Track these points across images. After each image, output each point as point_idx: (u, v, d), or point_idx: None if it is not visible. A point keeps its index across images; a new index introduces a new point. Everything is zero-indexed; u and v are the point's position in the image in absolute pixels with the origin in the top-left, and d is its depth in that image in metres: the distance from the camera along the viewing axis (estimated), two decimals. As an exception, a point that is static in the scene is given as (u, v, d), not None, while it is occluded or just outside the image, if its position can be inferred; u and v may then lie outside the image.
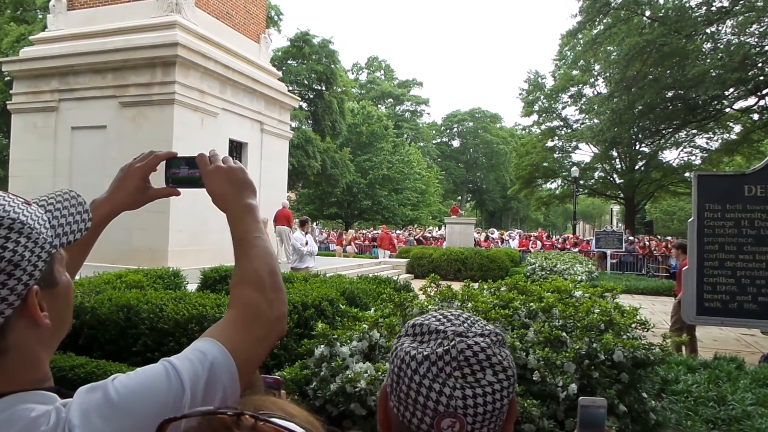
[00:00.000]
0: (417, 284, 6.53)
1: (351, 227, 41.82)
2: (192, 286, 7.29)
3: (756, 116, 27.67)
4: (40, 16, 26.32)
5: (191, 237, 12.11)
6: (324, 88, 34.01)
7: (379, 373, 3.25)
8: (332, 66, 34.26)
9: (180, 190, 1.15)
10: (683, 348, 7.28)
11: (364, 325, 3.78)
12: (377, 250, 24.31)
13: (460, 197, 66.30)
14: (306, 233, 10.85)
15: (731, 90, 24.22)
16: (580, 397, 1.19)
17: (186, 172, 1.12)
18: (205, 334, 0.87)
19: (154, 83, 12.13)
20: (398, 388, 0.77)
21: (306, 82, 33.70)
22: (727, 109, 27.13)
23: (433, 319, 0.81)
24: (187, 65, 12.16)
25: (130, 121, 12.25)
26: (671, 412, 3.94)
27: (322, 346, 3.66)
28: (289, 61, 34.16)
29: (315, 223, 41.45)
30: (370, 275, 8.48)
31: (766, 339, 8.68)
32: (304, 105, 33.86)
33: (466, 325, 0.79)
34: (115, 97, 12.45)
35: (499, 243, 27.40)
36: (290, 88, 22.00)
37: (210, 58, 12.70)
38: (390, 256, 21.55)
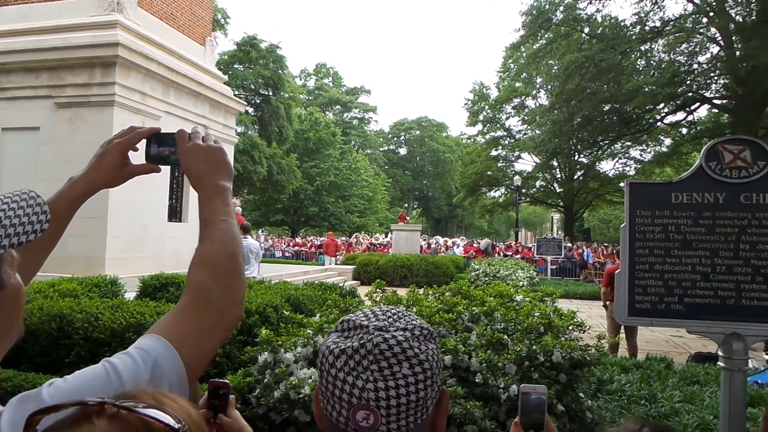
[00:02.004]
0: (363, 290, 6.55)
1: (298, 234, 41.44)
2: (130, 294, 7.03)
3: (684, 130, 29.35)
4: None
5: (130, 244, 11.68)
6: (271, 94, 33.66)
7: (324, 378, 3.24)
8: (280, 71, 33.98)
9: (161, 167, 1.12)
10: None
11: (308, 331, 3.75)
12: (323, 256, 24.19)
13: (406, 204, 66.86)
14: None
15: (662, 105, 25.57)
16: (522, 385, 1.22)
17: (166, 149, 1.08)
18: (151, 328, 0.84)
19: (92, 84, 11.67)
20: (321, 382, 0.78)
21: (253, 86, 33.28)
22: (659, 123, 28.62)
23: (362, 315, 0.82)
24: (129, 66, 11.77)
25: (66, 122, 11.73)
26: (606, 411, 4.11)
27: (266, 352, 3.61)
28: (235, 65, 33.63)
29: (261, 230, 40.87)
30: (316, 282, 8.43)
31: (694, 340, 9.20)
32: (251, 110, 33.39)
33: (391, 320, 0.80)
34: (50, 98, 11.89)
35: (445, 250, 27.83)
36: (236, 93, 21.65)
37: (152, 59, 12.34)
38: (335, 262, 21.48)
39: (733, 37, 22.01)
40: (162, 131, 1.10)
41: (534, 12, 24.99)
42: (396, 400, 0.72)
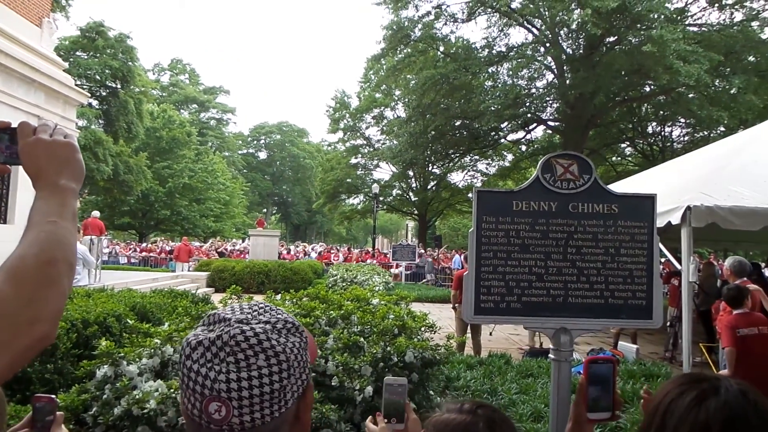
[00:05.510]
0: (218, 298, 6.28)
1: (146, 239, 38.64)
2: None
3: (524, 147, 32.38)
4: None
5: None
6: (119, 87, 31.07)
7: (172, 390, 3.04)
8: (130, 63, 31.52)
9: (10, 166, 0.95)
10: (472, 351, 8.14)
11: (156, 341, 3.52)
12: (175, 263, 22.84)
13: (265, 210, 65.55)
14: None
15: (506, 123, 27.93)
16: (386, 377, 1.40)
17: (14, 146, 0.92)
18: None
19: None
20: (180, 375, 0.77)
21: (98, 77, 30.46)
22: (503, 140, 31.21)
23: (228, 309, 0.82)
24: (-61, 42, 10.17)
25: None
26: (453, 407, 4.35)
27: (106, 366, 3.32)
28: (78, 53, 30.60)
29: (105, 235, 37.40)
30: (166, 289, 7.92)
31: (529, 337, 10.12)
32: (95, 102, 30.57)
33: (255, 313, 0.80)
34: None
35: (303, 256, 27.78)
36: (79, 83, 19.69)
37: (-28, 36, 10.79)
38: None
39: (565, 67, 24.74)
40: (11, 125, 0.94)
41: (394, 27, 25.94)
42: (248, 391, 0.72)
